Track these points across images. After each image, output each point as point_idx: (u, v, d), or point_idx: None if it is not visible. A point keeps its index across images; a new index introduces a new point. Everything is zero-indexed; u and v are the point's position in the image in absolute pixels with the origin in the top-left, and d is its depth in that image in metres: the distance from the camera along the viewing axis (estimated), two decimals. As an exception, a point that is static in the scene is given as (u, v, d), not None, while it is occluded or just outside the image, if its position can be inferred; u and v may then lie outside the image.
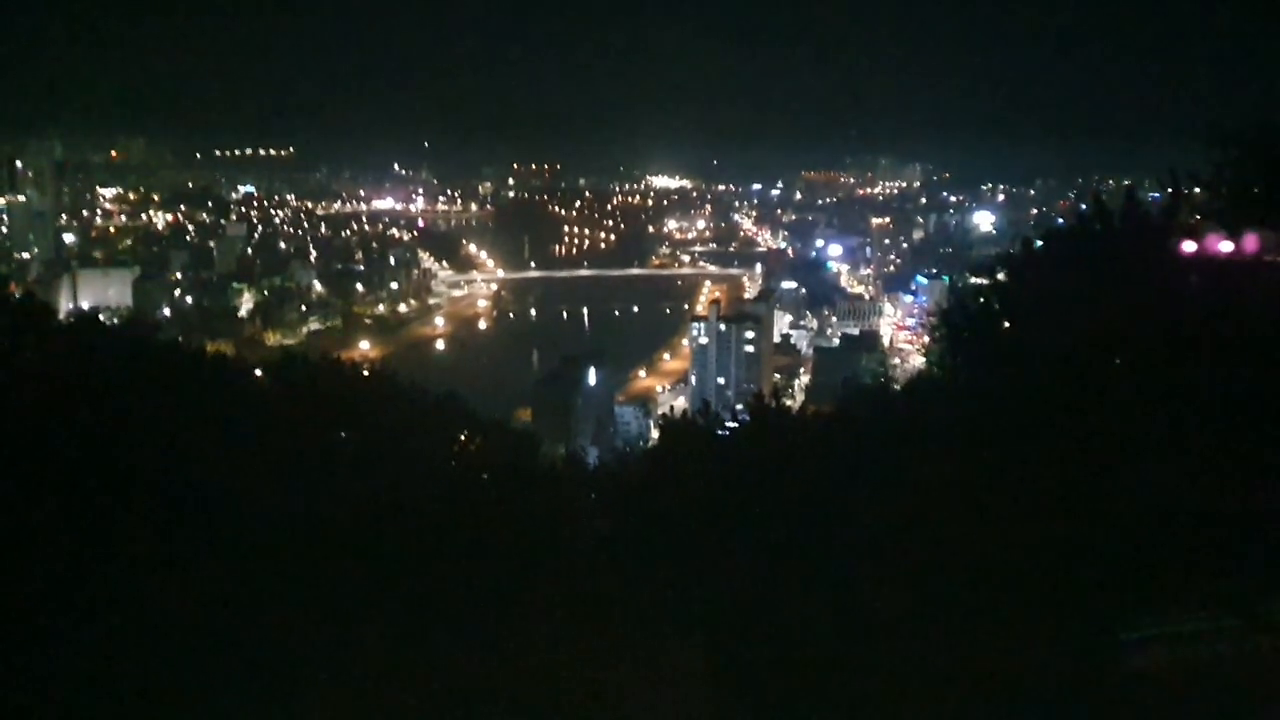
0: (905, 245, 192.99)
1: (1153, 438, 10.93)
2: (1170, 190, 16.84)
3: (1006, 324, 17.56)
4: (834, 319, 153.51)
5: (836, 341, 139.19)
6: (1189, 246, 14.02)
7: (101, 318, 66.92)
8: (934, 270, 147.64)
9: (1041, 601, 9.92)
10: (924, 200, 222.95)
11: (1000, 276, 19.30)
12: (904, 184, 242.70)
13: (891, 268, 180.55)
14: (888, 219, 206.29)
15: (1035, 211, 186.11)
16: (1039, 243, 20.67)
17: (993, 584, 9.93)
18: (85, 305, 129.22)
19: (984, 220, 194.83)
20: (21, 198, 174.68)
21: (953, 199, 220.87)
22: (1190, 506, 10.18)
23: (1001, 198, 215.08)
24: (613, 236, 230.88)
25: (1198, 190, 17.52)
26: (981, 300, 18.68)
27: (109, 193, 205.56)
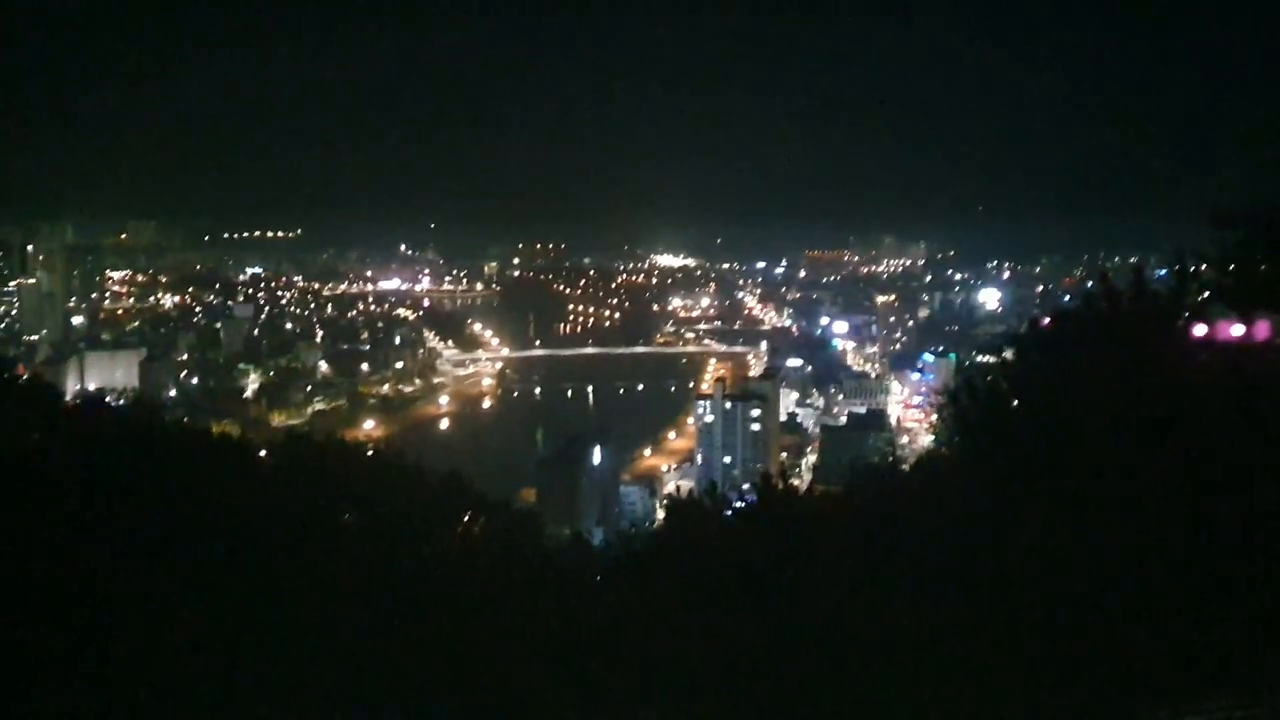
0: (910, 323, 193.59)
1: (1167, 519, 10.75)
2: (1177, 269, 16.83)
3: (1015, 404, 17.42)
4: (840, 397, 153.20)
5: (843, 420, 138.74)
6: (1198, 328, 14.00)
7: (108, 399, 67.03)
8: (940, 348, 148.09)
9: (1058, 690, 9.66)
10: (929, 278, 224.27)
11: (1007, 356, 19.23)
12: (908, 262, 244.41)
13: (897, 345, 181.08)
14: (893, 297, 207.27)
15: (1041, 289, 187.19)
16: (1045, 321, 20.65)
17: (1005, 670, 9.69)
18: (92, 386, 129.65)
19: (989, 298, 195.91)
20: (32, 280, 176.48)
21: (958, 276, 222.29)
22: (1211, 590, 9.97)
23: (1007, 275, 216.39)
24: (617, 315, 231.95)
25: (1204, 269, 17.53)
26: (988, 379, 18.58)
27: (118, 275, 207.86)
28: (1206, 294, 16.53)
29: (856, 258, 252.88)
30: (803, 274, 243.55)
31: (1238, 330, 13.47)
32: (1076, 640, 9.52)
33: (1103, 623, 9.61)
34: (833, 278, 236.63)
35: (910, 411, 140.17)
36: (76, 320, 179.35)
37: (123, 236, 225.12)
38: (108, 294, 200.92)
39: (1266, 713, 9.11)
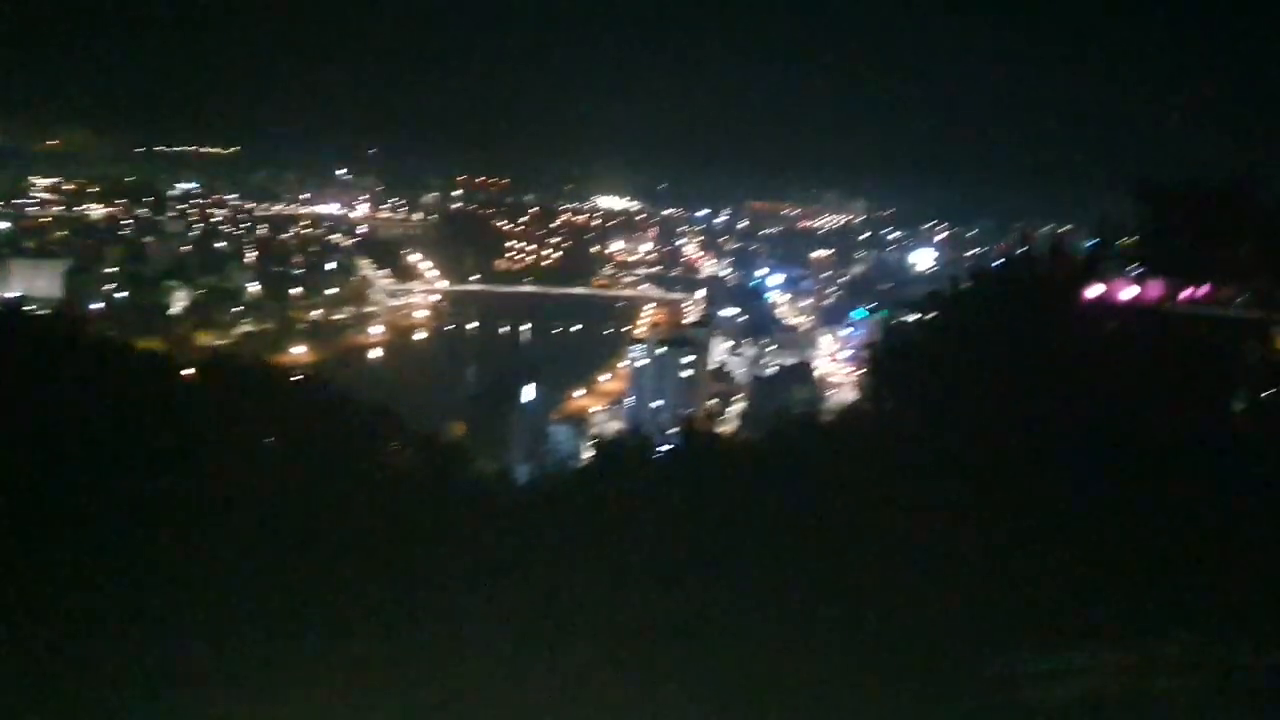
0: (845, 279, 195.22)
1: (1054, 471, 11.22)
2: (1098, 239, 17.45)
3: (928, 360, 17.94)
4: (772, 348, 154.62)
5: (771, 371, 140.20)
6: (1098, 291, 14.68)
7: (29, 308, 65.48)
8: (873, 305, 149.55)
9: (945, 634, 10.07)
10: (865, 235, 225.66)
11: (927, 315, 19.72)
12: (848, 218, 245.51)
13: (830, 300, 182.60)
14: (830, 252, 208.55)
15: (974, 252, 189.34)
16: (965, 283, 21.13)
17: (898, 612, 10.06)
18: (13, 294, 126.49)
19: (924, 258, 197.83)
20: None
21: (894, 235, 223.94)
22: (1090, 541, 10.42)
23: (942, 237, 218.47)
24: (557, 254, 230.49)
25: (1126, 239, 18.13)
26: (904, 337, 19.11)
27: (45, 182, 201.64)
28: (1127, 261, 17.14)
29: (798, 211, 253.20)
30: (744, 224, 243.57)
31: (1130, 292, 14.16)
32: (967, 585, 9.93)
33: (990, 569, 10.04)
34: (773, 230, 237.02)
35: (837, 365, 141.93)
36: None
37: (53, 142, 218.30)
38: (34, 201, 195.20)
39: (1132, 660, 9.58)
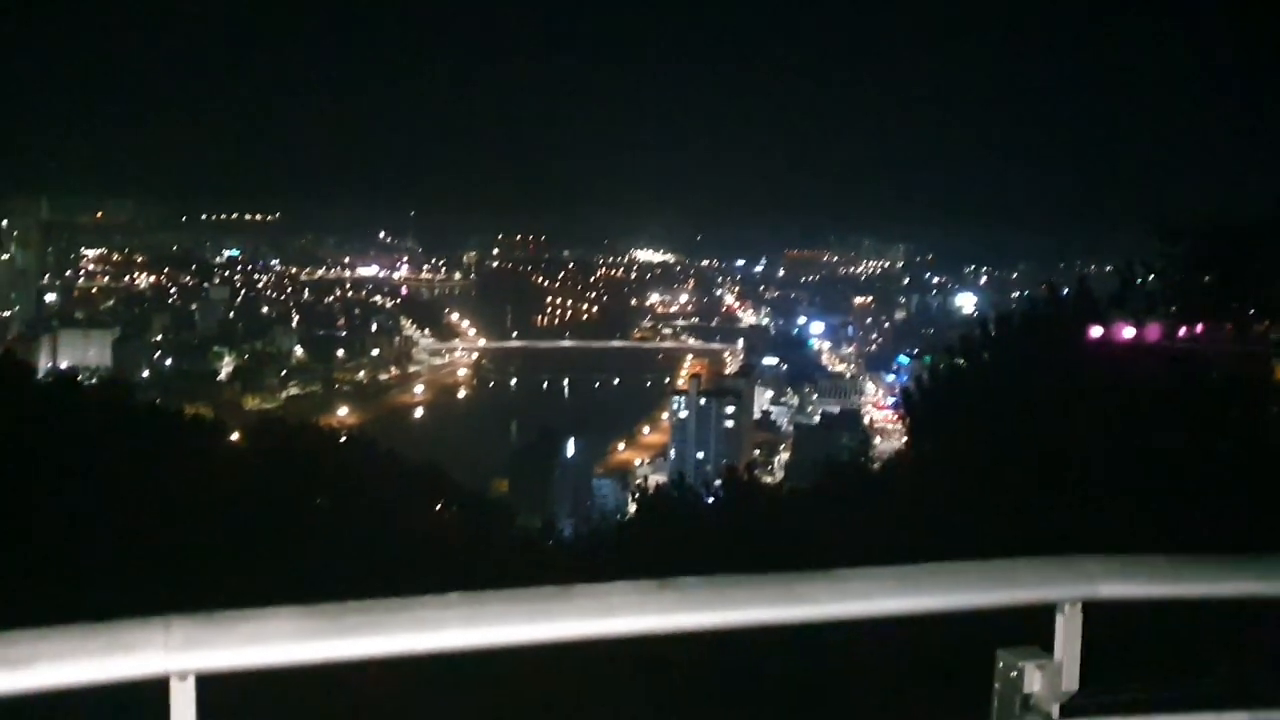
0: (887, 325, 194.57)
1: (1087, 509, 11.22)
2: (1121, 279, 17.57)
3: (964, 402, 17.97)
4: (815, 396, 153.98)
5: (817, 419, 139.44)
6: (1095, 332, 14.91)
7: (80, 378, 66.71)
8: (915, 350, 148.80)
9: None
10: (907, 280, 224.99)
11: (959, 359, 19.81)
12: (887, 264, 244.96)
13: (873, 347, 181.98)
14: (870, 298, 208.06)
15: (1016, 294, 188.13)
16: (991, 326, 21.23)
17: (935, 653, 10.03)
18: (65, 364, 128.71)
19: (966, 302, 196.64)
20: (5, 256, 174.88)
21: (935, 280, 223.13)
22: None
23: (984, 280, 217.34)
24: (595, 308, 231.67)
25: (1151, 278, 18.18)
26: (935, 381, 19.17)
27: (93, 253, 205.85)
28: (1154, 299, 17.20)
29: (836, 258, 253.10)
30: (781, 273, 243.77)
31: (1128, 333, 14.38)
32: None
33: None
34: (811, 278, 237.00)
35: (883, 412, 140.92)
36: (50, 298, 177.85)
37: (99, 215, 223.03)
38: (82, 272, 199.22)
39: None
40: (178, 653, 2.14)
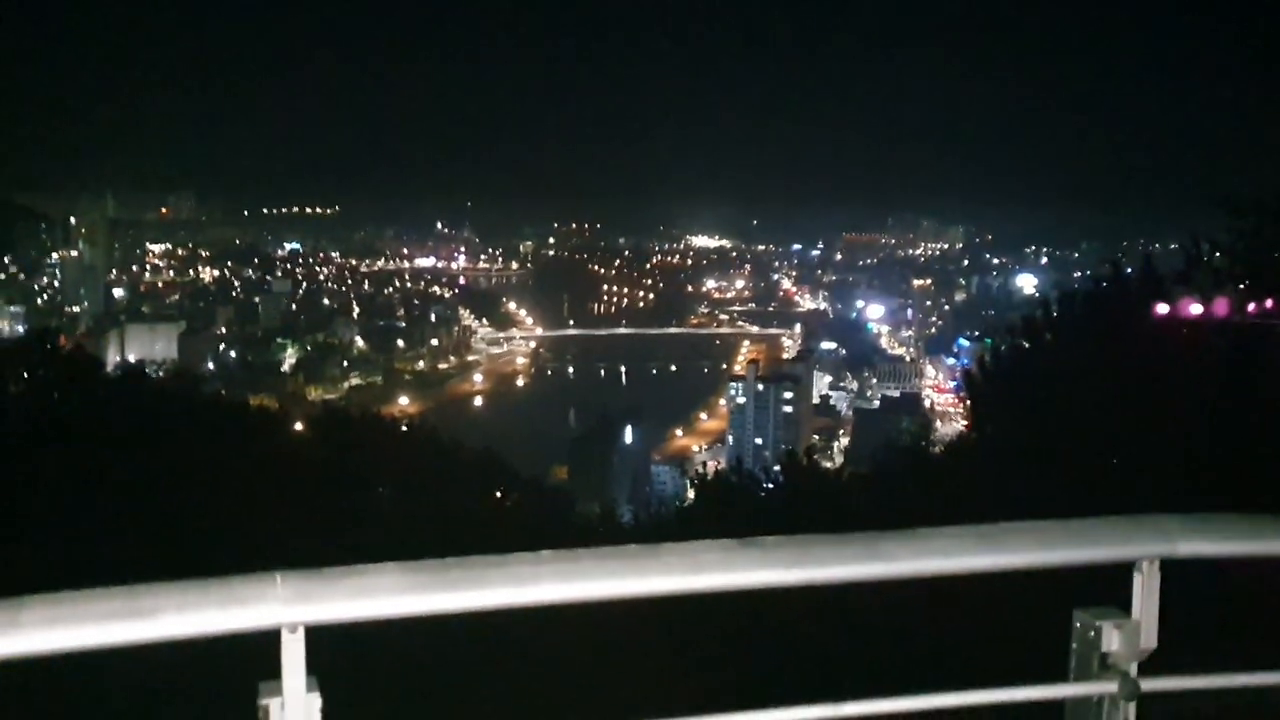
0: (947, 307, 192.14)
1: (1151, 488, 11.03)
2: (1187, 256, 17.16)
3: (1028, 384, 17.71)
4: (874, 381, 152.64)
5: (877, 404, 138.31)
6: (1196, 309, 14.55)
7: (147, 371, 68.03)
8: (976, 332, 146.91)
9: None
10: (966, 262, 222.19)
11: (1021, 340, 19.50)
12: (946, 246, 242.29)
13: (933, 330, 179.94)
14: (929, 281, 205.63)
15: (1079, 274, 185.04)
16: (1054, 306, 20.85)
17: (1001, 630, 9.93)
18: (132, 358, 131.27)
19: (1027, 283, 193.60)
20: (74, 253, 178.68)
21: (995, 261, 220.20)
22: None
23: (1045, 260, 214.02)
24: (651, 295, 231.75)
25: (1218, 255, 17.76)
26: (998, 362, 18.88)
27: (158, 248, 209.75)
28: (1220, 276, 16.84)
29: (893, 241, 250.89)
30: (839, 256, 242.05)
31: (1196, 309, 14.06)
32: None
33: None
34: (869, 261, 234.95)
35: (943, 395, 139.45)
36: (117, 292, 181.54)
37: (163, 210, 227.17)
38: (148, 267, 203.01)
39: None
40: (290, 605, 2.23)
